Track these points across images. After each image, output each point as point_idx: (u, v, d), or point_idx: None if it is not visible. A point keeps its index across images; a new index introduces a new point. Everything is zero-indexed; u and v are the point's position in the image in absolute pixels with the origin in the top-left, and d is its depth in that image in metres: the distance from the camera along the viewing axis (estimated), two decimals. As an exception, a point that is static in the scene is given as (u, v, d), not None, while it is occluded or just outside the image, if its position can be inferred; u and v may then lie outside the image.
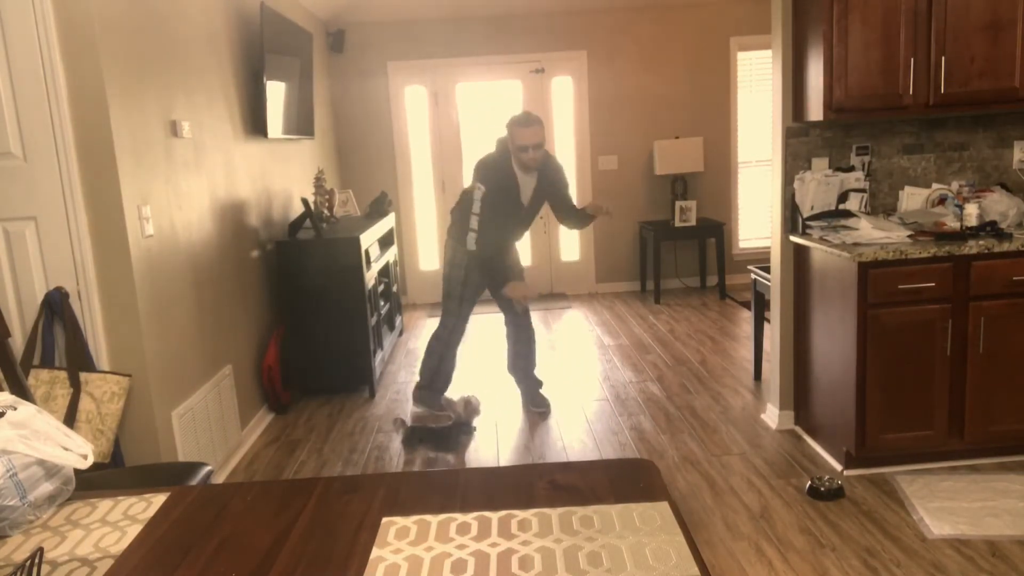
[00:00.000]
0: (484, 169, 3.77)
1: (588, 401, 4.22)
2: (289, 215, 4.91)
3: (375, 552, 1.16)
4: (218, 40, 3.82)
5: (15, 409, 1.35)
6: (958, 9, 3.07)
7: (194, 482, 2.02)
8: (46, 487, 1.35)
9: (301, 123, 4.99)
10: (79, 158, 2.64)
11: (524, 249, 7.00)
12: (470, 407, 3.23)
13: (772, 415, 3.71)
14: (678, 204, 6.49)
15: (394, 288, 5.60)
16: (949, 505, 2.82)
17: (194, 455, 3.17)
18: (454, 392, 4.16)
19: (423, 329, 6.07)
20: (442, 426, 3.23)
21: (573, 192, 6.85)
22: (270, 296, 4.41)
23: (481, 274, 3.92)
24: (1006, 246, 2.95)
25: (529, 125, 3.65)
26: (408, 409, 4.26)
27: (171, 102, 3.19)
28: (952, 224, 3.19)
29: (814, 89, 3.21)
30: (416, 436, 3.13)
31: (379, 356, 4.76)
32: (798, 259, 3.48)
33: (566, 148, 6.88)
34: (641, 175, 6.91)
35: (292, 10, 5.28)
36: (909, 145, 3.48)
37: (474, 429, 3.25)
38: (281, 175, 4.84)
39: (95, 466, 2.45)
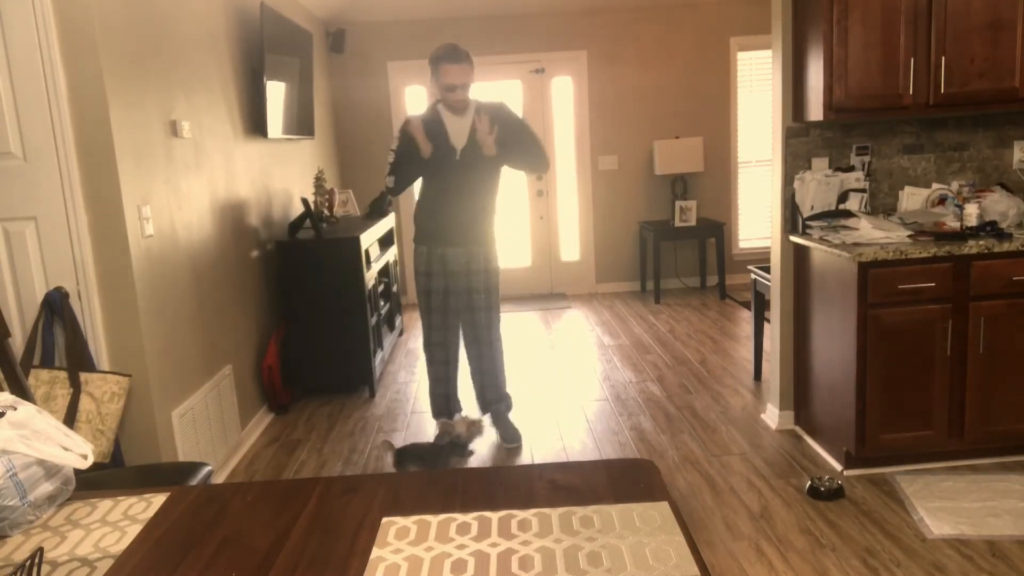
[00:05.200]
0: (405, 121, 3.43)
1: (588, 401, 4.22)
2: (289, 215, 4.91)
3: (375, 552, 1.16)
4: (218, 40, 3.82)
5: (15, 409, 1.34)
6: (958, 9, 3.07)
7: (194, 482, 2.02)
8: (46, 487, 1.35)
9: (301, 123, 4.99)
10: (79, 158, 2.64)
11: (523, 248, 7.00)
12: (474, 428, 3.10)
13: (772, 415, 3.71)
14: (678, 204, 6.49)
15: (394, 288, 5.60)
16: (949, 505, 2.82)
17: (194, 455, 3.17)
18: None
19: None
20: (434, 446, 3.15)
21: (572, 186, 6.87)
22: (270, 296, 4.41)
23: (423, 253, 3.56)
24: (1006, 246, 2.95)
25: (459, 61, 3.27)
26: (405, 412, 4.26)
27: (171, 102, 3.19)
28: (952, 224, 3.19)
29: (814, 89, 3.21)
30: (406, 458, 3.07)
31: (379, 356, 4.76)
32: (798, 259, 3.48)
33: (566, 148, 6.88)
34: (641, 175, 6.91)
35: (292, 10, 5.28)
36: (909, 145, 3.48)
37: (471, 452, 3.13)
38: (281, 175, 4.84)
39: (95, 466, 2.45)
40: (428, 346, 3.72)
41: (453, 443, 3.07)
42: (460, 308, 3.66)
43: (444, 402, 3.82)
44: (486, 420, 3.79)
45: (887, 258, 2.92)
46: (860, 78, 3.11)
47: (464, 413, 3.74)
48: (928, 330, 2.99)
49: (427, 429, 3.96)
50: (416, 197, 3.66)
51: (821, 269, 3.26)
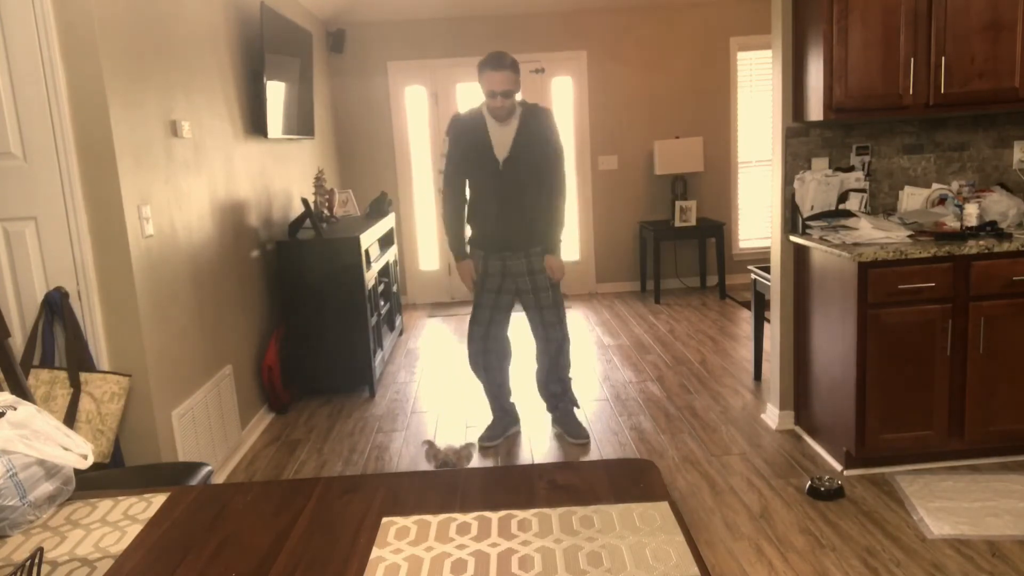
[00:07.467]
0: (452, 121, 3.46)
1: (588, 401, 4.22)
2: (289, 215, 4.91)
3: (375, 552, 1.16)
4: (218, 40, 3.82)
5: (15, 409, 1.35)
6: (958, 9, 3.07)
7: (194, 482, 2.02)
8: (46, 487, 1.35)
9: (301, 123, 4.99)
10: (79, 158, 2.64)
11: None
12: (463, 453, 3.02)
13: (772, 415, 3.71)
14: (678, 204, 6.48)
15: (394, 288, 5.60)
16: (949, 505, 2.82)
17: (194, 455, 3.17)
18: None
19: (423, 329, 6.07)
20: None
21: (572, 186, 6.87)
22: (270, 296, 4.41)
23: (479, 257, 3.56)
24: (1006, 246, 2.95)
25: (500, 68, 3.23)
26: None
27: (171, 102, 3.19)
28: (952, 224, 3.19)
29: (814, 89, 3.21)
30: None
31: (379, 356, 4.76)
32: (798, 259, 3.48)
33: (566, 148, 6.86)
34: (641, 175, 6.91)
35: (292, 10, 5.28)
36: (909, 145, 3.48)
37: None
38: (281, 175, 4.84)
39: (95, 466, 2.46)
40: (474, 356, 3.69)
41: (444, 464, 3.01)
42: (526, 307, 3.61)
43: (500, 415, 3.79)
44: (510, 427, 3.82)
45: (887, 258, 2.92)
46: (860, 78, 3.11)
47: (449, 443, 3.73)
48: (928, 330, 2.99)
49: (427, 430, 3.96)
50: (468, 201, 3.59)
51: (821, 269, 3.26)
